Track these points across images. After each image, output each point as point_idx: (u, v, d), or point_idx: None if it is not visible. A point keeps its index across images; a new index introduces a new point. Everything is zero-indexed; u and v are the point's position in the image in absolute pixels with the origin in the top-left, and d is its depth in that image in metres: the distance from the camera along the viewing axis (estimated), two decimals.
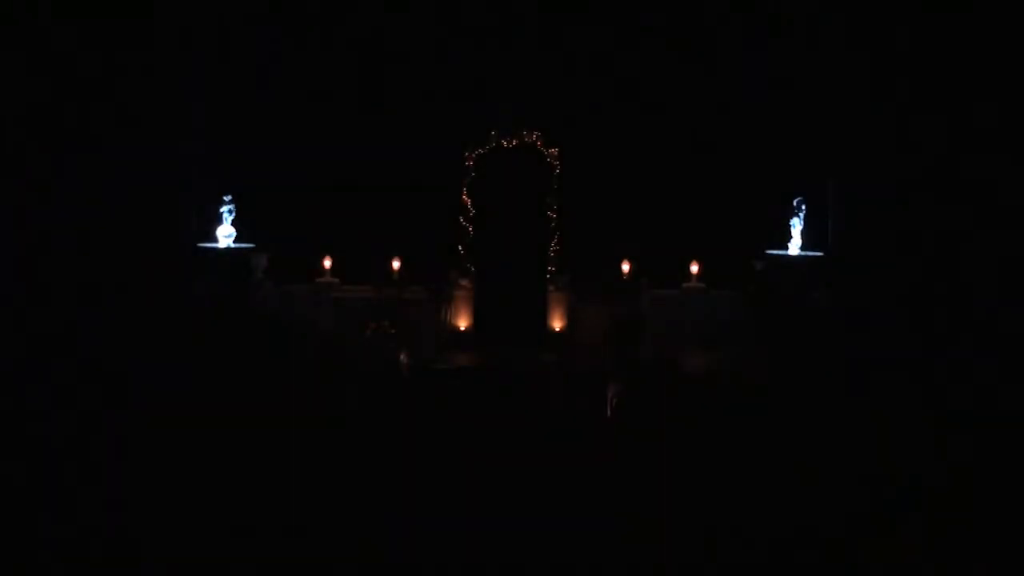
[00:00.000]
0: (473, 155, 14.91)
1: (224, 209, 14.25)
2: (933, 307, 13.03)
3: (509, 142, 14.96)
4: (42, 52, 13.23)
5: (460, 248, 14.83)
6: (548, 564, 7.21)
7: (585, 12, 14.70)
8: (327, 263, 14.71)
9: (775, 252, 14.44)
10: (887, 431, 9.56)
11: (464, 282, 14.72)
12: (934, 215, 13.63)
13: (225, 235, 14.27)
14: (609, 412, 10.71)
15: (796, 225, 14.44)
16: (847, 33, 14.07)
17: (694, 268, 14.71)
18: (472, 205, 14.87)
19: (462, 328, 14.59)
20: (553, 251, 14.86)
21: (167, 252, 13.70)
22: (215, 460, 8.82)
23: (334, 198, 14.73)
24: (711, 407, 10.30)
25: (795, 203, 14.45)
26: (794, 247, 14.45)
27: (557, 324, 14.70)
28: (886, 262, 13.78)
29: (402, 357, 12.65)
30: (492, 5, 14.75)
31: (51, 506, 7.70)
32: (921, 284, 13.36)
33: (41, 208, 13.02)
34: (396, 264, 14.44)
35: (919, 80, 13.74)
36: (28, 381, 10.19)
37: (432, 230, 14.76)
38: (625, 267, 14.69)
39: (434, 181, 14.79)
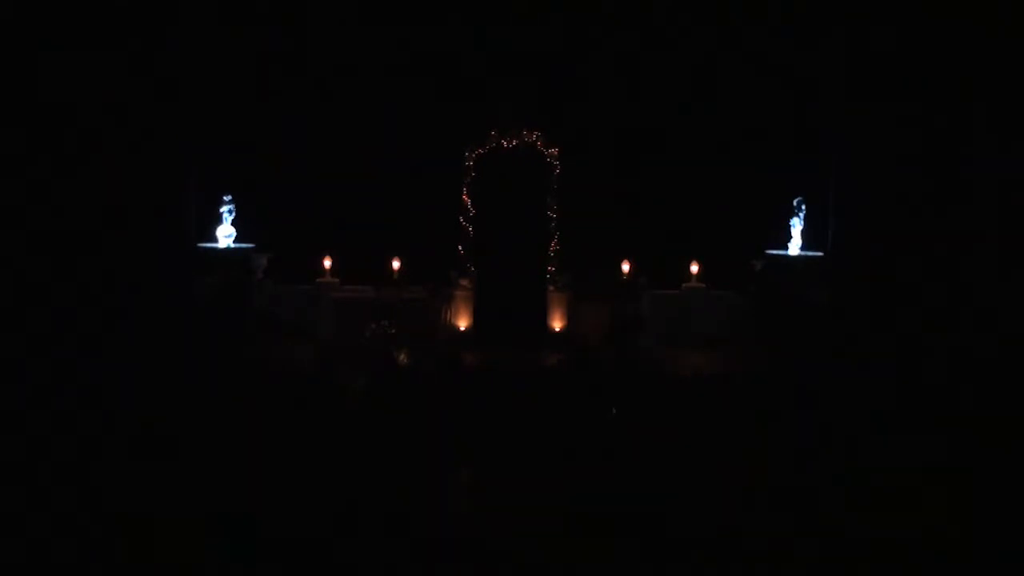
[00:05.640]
0: (473, 155, 14.91)
1: (224, 209, 14.27)
2: (932, 307, 13.03)
3: (509, 142, 14.96)
4: (42, 52, 13.25)
5: (460, 248, 14.82)
6: (547, 562, 7.21)
7: (585, 12, 14.67)
8: (327, 263, 14.73)
9: (775, 252, 14.45)
10: (886, 430, 9.56)
11: (464, 282, 14.72)
12: (934, 215, 13.62)
13: (225, 235, 14.29)
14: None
15: (796, 225, 14.46)
16: (847, 33, 14.06)
17: (694, 268, 14.71)
18: (472, 205, 14.87)
19: (462, 328, 14.58)
20: (553, 251, 14.85)
21: (167, 252, 13.70)
22: (215, 460, 8.83)
23: (334, 197, 14.74)
24: (709, 406, 10.30)
25: (795, 203, 14.47)
26: (794, 247, 14.46)
27: (557, 324, 14.69)
28: (886, 262, 13.77)
29: (401, 357, 12.64)
30: (493, 5, 14.73)
31: (49, 507, 7.70)
32: (921, 284, 13.35)
33: (40, 208, 13.01)
34: (396, 264, 14.44)
35: (920, 80, 13.73)
36: (28, 381, 10.19)
37: (432, 230, 14.76)
38: (625, 267, 14.67)
39: (434, 181, 14.80)
